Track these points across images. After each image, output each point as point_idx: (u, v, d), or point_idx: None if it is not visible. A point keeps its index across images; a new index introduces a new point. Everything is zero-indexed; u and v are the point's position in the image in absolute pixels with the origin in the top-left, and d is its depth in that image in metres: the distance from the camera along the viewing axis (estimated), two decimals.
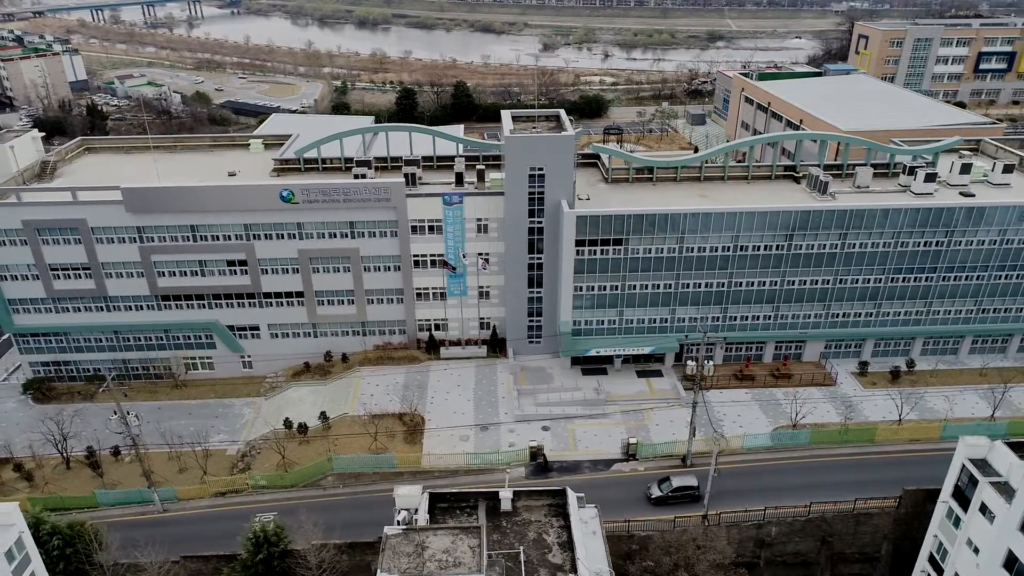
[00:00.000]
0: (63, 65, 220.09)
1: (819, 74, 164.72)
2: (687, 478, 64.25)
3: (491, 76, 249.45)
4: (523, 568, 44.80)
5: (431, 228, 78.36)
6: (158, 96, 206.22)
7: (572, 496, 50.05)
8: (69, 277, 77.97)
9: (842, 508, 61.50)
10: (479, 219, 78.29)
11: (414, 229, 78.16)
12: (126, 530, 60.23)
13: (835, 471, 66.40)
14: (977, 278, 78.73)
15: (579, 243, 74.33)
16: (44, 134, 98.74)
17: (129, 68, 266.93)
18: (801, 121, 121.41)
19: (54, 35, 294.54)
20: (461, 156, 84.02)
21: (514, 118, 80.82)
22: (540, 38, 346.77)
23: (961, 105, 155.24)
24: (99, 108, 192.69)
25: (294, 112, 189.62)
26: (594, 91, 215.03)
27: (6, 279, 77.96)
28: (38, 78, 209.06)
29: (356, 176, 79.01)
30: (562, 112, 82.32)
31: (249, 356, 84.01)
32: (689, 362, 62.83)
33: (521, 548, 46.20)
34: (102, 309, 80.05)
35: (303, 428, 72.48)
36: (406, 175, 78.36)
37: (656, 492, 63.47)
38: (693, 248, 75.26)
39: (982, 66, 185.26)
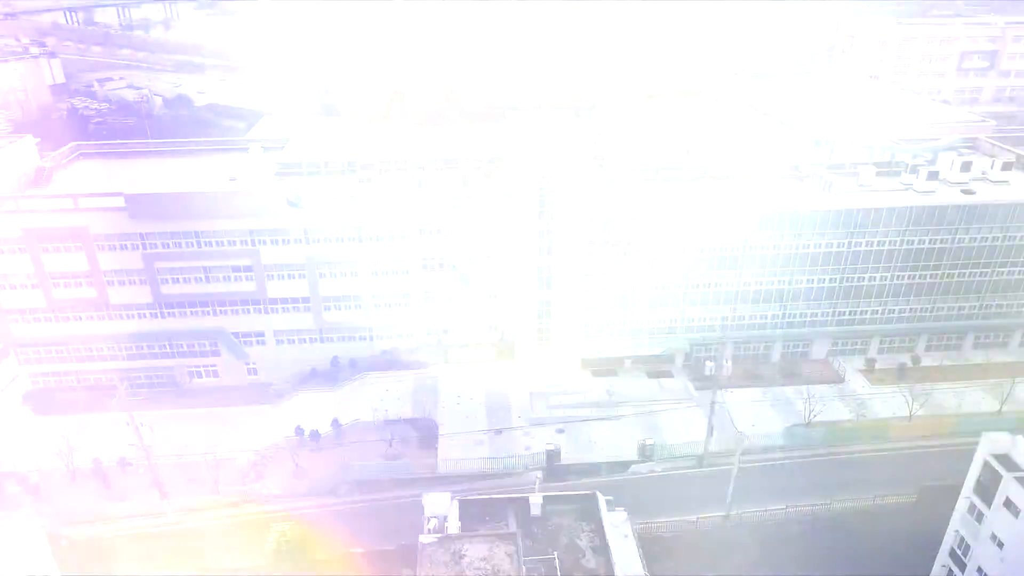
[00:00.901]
0: (41, 68, 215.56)
1: (807, 73, 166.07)
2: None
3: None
4: (559, 574, 44.61)
5: (439, 230, 77.80)
6: (140, 99, 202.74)
7: (602, 500, 49.97)
8: (70, 286, 76.45)
9: (861, 505, 61.91)
10: (487, 220, 77.81)
11: (422, 231, 77.55)
12: (141, 542, 59.19)
13: (850, 468, 66.92)
14: (980, 274, 79.82)
15: (589, 244, 74.18)
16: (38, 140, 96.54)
17: (107, 71, 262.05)
18: (795, 121, 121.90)
19: (28, 38, 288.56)
20: (465, 156, 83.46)
21: (520, 119, 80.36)
22: None
23: (945, 103, 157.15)
24: (80, 112, 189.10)
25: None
26: None
27: (5, 288, 76.20)
28: (16, 82, 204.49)
29: (362, 180, 78.23)
30: (568, 113, 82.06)
31: (254, 363, 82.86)
32: (708, 362, 62.90)
33: (555, 553, 46.01)
34: (104, 318, 78.56)
35: (315, 435, 71.59)
36: (412, 178, 77.69)
37: None
38: (702, 247, 75.44)
39: (964, 65, 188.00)
